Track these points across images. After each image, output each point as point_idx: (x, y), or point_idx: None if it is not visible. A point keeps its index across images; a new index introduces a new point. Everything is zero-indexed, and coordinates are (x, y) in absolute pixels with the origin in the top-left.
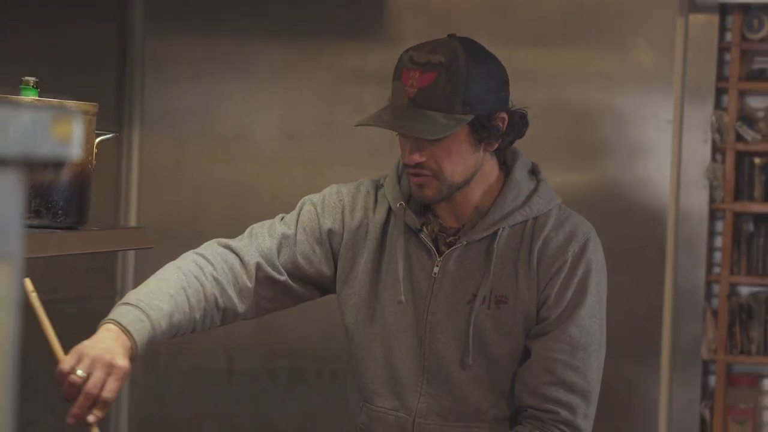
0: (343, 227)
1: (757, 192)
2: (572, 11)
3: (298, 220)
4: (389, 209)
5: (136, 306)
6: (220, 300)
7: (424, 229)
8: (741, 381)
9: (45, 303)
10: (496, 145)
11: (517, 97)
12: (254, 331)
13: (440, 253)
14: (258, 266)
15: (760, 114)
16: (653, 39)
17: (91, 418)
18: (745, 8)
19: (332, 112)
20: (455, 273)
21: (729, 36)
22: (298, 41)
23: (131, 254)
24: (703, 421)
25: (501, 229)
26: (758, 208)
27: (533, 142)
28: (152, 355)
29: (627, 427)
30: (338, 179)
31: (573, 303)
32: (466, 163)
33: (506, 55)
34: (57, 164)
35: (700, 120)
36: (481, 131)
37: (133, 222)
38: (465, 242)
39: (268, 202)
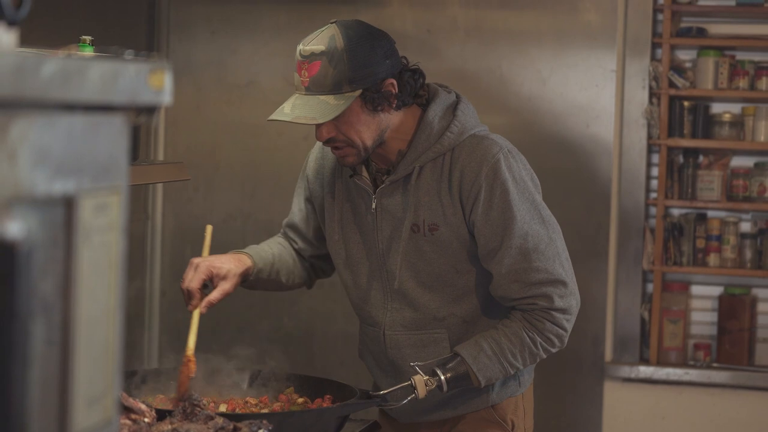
0: (308, 183)
1: (686, 130)
2: None
3: (296, 190)
4: (336, 160)
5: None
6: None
7: (363, 172)
8: (674, 287)
9: None
10: (393, 106)
11: (483, 50)
12: None
13: None
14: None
15: (688, 65)
16: (599, 1)
17: (189, 307)
18: None
19: None
20: (390, 207)
21: None
22: (299, 4)
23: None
24: (642, 321)
25: (416, 168)
26: (687, 143)
27: (500, 87)
28: (178, 269)
29: (580, 327)
30: None
31: (503, 220)
32: (369, 129)
33: (475, 14)
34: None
35: (639, 69)
36: (374, 100)
37: (161, 157)
38: (389, 182)
39: (274, 139)
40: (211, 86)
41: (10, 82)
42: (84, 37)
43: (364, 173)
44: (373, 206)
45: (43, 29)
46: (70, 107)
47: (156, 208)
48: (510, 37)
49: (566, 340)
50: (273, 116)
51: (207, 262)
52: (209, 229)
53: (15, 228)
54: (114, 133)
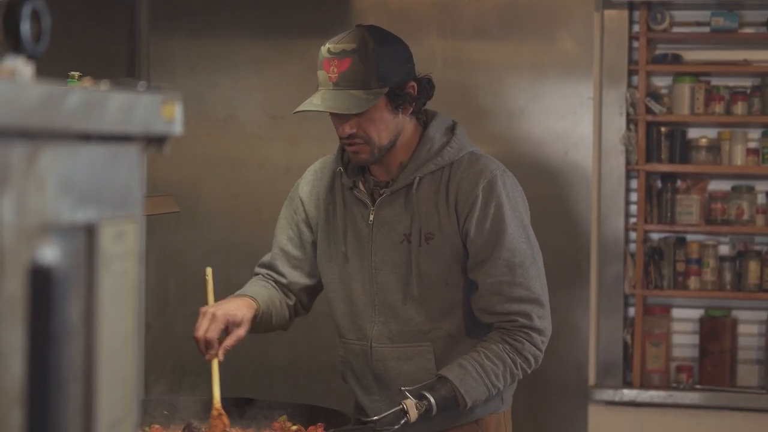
0: (303, 205)
1: (664, 155)
2: (507, 9)
3: (282, 221)
4: (333, 175)
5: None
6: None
7: (360, 186)
8: (655, 311)
9: None
10: (411, 109)
11: (461, 80)
12: (248, 280)
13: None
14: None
15: (664, 91)
16: (575, 31)
17: (207, 357)
18: (649, 5)
19: (304, 96)
20: (387, 219)
21: (637, 27)
22: (276, 38)
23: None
24: (625, 344)
25: (417, 178)
26: (665, 168)
27: (478, 117)
28: (162, 302)
29: (564, 351)
30: (312, 151)
31: (495, 232)
32: (388, 128)
33: (453, 45)
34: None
35: (616, 97)
36: (397, 99)
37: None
38: (390, 192)
39: (254, 171)
40: (191, 120)
41: (39, 113)
42: (72, 72)
43: (361, 188)
44: (371, 219)
45: None
46: (90, 137)
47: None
48: (487, 68)
49: (540, 361)
50: (302, 107)
51: (223, 311)
52: (210, 272)
53: (50, 254)
54: (130, 163)
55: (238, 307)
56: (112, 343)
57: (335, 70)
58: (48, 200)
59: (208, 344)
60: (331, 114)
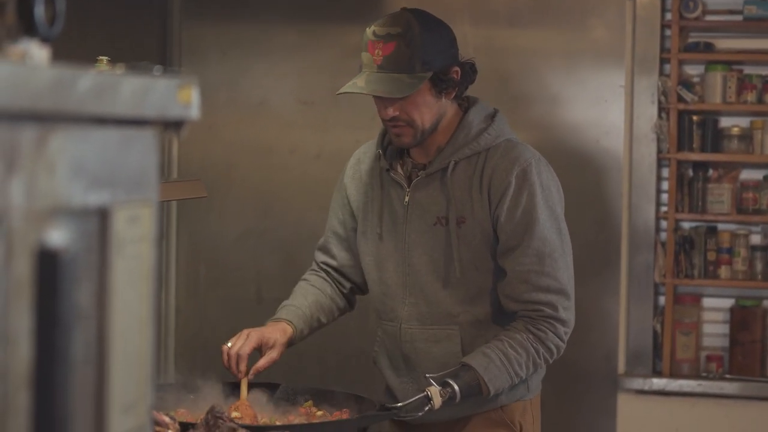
0: (346, 189)
1: (696, 143)
2: None
3: (333, 204)
4: (373, 158)
5: (285, 305)
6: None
7: (398, 168)
8: (685, 300)
9: None
10: (454, 93)
11: (493, 67)
12: (279, 265)
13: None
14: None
15: (696, 79)
16: (607, 19)
17: (238, 376)
18: None
19: (337, 82)
20: (422, 200)
21: (669, 15)
22: (309, 24)
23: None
24: (655, 333)
25: (453, 162)
26: (696, 156)
27: (509, 104)
28: (193, 287)
29: (593, 340)
30: (343, 137)
31: (526, 221)
32: (431, 111)
33: (485, 33)
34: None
35: (648, 85)
36: (440, 83)
37: (174, 176)
38: (425, 174)
39: (286, 157)
40: (223, 106)
41: (50, 96)
42: (101, 57)
43: (399, 169)
44: (406, 200)
45: (55, 51)
46: (103, 121)
47: (171, 228)
48: (519, 55)
49: (562, 352)
50: (345, 89)
51: (258, 332)
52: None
53: (58, 236)
54: (145, 147)
55: (272, 332)
56: (126, 326)
57: (380, 53)
58: (58, 183)
59: (239, 359)
60: (375, 96)
